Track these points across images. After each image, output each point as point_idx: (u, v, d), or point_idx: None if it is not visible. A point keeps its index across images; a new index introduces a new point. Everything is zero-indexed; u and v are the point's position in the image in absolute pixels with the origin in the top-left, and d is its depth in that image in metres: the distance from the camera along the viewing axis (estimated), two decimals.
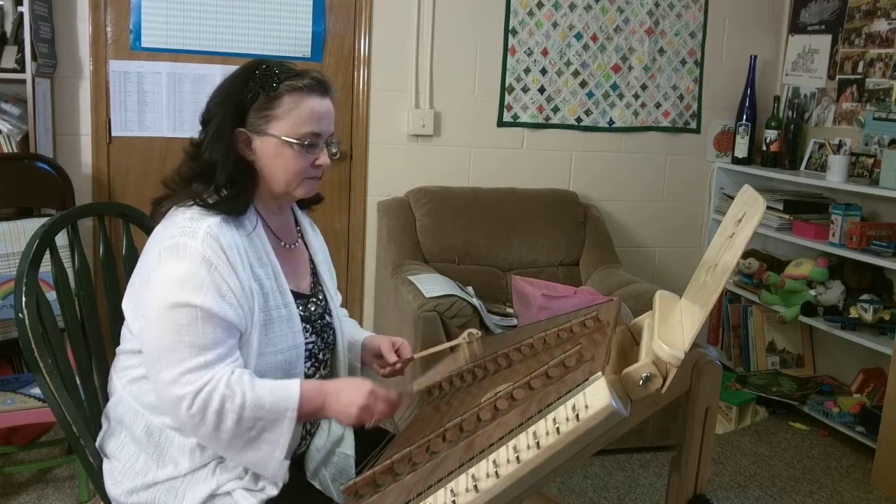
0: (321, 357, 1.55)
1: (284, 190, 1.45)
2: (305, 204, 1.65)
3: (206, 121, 1.45)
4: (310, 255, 1.61)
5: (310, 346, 1.50)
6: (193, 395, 1.29)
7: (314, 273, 1.60)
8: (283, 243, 1.53)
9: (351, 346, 1.68)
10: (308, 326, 1.50)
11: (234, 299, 1.33)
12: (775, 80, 3.85)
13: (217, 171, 1.40)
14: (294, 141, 1.41)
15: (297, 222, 1.62)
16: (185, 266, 1.31)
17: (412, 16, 3.34)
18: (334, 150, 1.48)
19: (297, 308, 1.47)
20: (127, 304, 1.44)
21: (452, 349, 1.59)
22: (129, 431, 1.44)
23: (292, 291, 1.48)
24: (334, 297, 1.63)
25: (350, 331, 1.71)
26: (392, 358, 1.62)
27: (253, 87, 1.41)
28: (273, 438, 1.34)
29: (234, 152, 1.41)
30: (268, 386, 1.34)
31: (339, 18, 3.30)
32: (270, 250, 1.46)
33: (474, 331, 1.58)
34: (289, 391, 1.35)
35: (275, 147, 1.41)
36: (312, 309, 1.53)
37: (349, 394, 1.38)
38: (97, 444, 1.50)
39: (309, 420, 1.45)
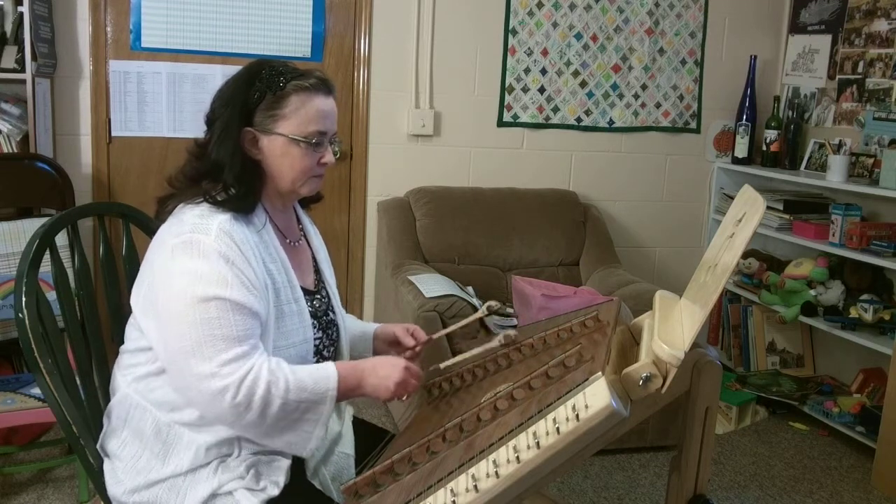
0: (326, 354, 1.55)
1: (291, 188, 1.47)
2: (306, 203, 1.67)
3: (210, 121, 1.46)
4: (312, 253, 1.62)
5: (316, 342, 1.51)
6: (237, 384, 1.29)
7: (317, 270, 1.61)
8: (288, 241, 1.54)
9: (361, 338, 1.70)
10: (315, 322, 1.51)
11: (256, 291, 1.35)
12: (775, 80, 3.85)
13: (225, 170, 1.41)
14: (301, 139, 1.42)
15: (298, 220, 1.63)
16: (203, 262, 1.32)
17: (412, 16, 3.34)
18: (336, 149, 1.50)
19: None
20: (136, 302, 1.44)
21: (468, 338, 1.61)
22: (133, 429, 1.44)
23: (300, 287, 1.49)
24: (336, 295, 1.64)
25: (352, 325, 1.72)
26: (410, 342, 1.65)
27: (259, 86, 1.42)
28: (314, 419, 1.37)
29: (241, 152, 1.42)
30: (306, 369, 1.37)
31: (339, 18, 3.30)
32: (279, 246, 1.47)
33: (493, 303, 1.61)
34: (328, 371, 1.38)
35: (282, 146, 1.43)
36: (317, 305, 1.55)
37: (385, 369, 1.44)
38: (98, 443, 1.50)
39: (346, 399, 1.47)
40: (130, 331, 1.47)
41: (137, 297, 1.43)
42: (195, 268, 1.32)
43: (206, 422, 1.38)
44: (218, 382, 1.29)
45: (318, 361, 1.52)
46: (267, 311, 1.38)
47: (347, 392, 1.42)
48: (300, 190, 1.48)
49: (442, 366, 1.59)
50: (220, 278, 1.31)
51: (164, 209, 1.46)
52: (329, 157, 1.47)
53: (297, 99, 1.42)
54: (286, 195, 1.50)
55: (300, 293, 1.47)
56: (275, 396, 1.31)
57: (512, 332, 1.58)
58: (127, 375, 1.46)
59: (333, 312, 1.59)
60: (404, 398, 1.47)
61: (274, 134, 1.42)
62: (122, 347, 1.50)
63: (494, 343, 1.58)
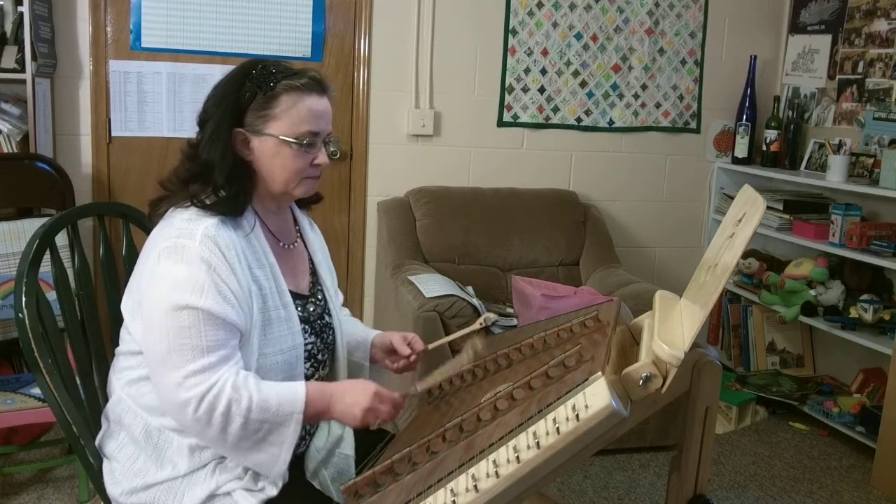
0: (320, 358, 1.54)
1: (283, 190, 1.45)
2: (305, 203, 1.65)
3: (202, 122, 1.44)
4: (309, 255, 1.61)
5: (309, 346, 1.49)
6: (199, 398, 1.28)
7: (313, 273, 1.60)
8: (281, 244, 1.53)
9: (359, 345, 1.68)
10: (307, 327, 1.49)
11: (235, 300, 1.33)
12: (775, 80, 3.85)
13: (215, 171, 1.40)
14: (292, 140, 1.40)
15: (295, 222, 1.62)
16: (185, 268, 1.31)
17: (412, 16, 3.34)
18: (333, 150, 1.48)
19: (296, 309, 1.47)
20: (126, 306, 1.44)
21: (466, 338, 1.61)
22: (127, 432, 1.44)
23: (291, 292, 1.47)
24: (334, 297, 1.62)
25: (354, 330, 1.71)
26: (406, 351, 1.62)
27: (250, 86, 1.40)
28: (279, 441, 1.34)
29: (231, 152, 1.41)
30: (274, 388, 1.34)
31: (339, 18, 3.30)
32: (269, 251, 1.45)
33: (491, 315, 1.60)
34: (295, 394, 1.35)
35: (273, 147, 1.41)
36: (311, 309, 1.53)
37: (354, 395, 1.38)
38: (97, 444, 1.50)
39: (313, 422, 1.45)
40: (123, 333, 1.47)
41: (128, 301, 1.43)
42: (175, 274, 1.31)
43: None
44: (183, 394, 1.29)
45: (311, 366, 1.51)
46: (247, 320, 1.36)
47: (315, 415, 1.39)
48: (293, 192, 1.46)
49: (419, 388, 1.52)
50: (197, 286, 1.30)
51: (155, 212, 1.45)
52: (322, 158, 1.45)
53: (288, 99, 1.40)
54: (279, 197, 1.48)
55: (289, 298, 1.45)
56: (235, 414, 1.29)
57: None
58: (121, 378, 1.46)
59: (330, 316, 1.58)
60: (375, 425, 1.40)
61: (265, 135, 1.40)
62: (117, 350, 1.50)
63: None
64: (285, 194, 1.47)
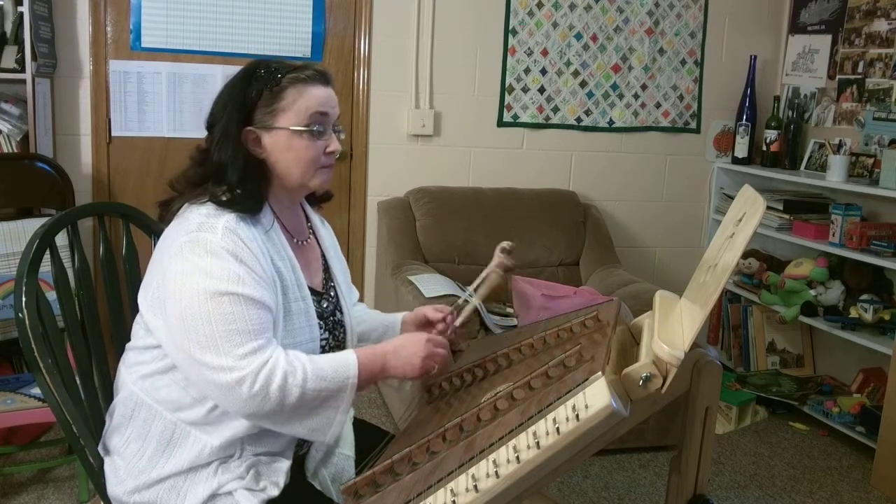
0: None
1: (300, 182, 1.46)
2: (315, 201, 1.66)
3: (211, 125, 1.45)
4: (321, 252, 1.62)
5: (322, 342, 1.50)
6: (254, 374, 1.29)
7: (326, 269, 1.60)
8: (295, 240, 1.53)
9: (388, 329, 1.70)
10: (321, 323, 1.50)
11: (266, 286, 1.35)
12: (775, 80, 3.85)
13: (227, 171, 1.40)
14: (303, 129, 1.41)
15: (307, 218, 1.62)
16: (214, 259, 1.32)
17: (412, 16, 3.34)
18: (342, 137, 1.49)
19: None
20: (144, 300, 1.43)
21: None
22: (137, 427, 1.43)
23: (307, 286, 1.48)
24: (346, 294, 1.63)
25: (376, 317, 1.72)
26: (439, 316, 1.64)
27: (256, 85, 1.41)
28: (335, 405, 1.36)
29: (243, 152, 1.42)
30: (325, 358, 1.37)
31: (339, 18, 3.30)
32: (287, 245, 1.47)
33: (506, 244, 1.63)
34: (347, 360, 1.38)
35: (285, 139, 1.42)
36: (325, 306, 1.54)
37: (408, 347, 1.43)
38: (100, 440, 1.50)
39: (369, 385, 1.47)
40: (137, 329, 1.47)
41: (146, 297, 1.42)
42: (205, 265, 1.31)
43: (213, 420, 1.38)
44: (235, 374, 1.29)
45: None
46: (276, 305, 1.38)
47: (371, 377, 1.42)
48: (310, 183, 1.47)
49: (458, 323, 1.62)
50: (232, 275, 1.31)
51: (168, 211, 1.45)
52: (335, 145, 1.46)
53: (294, 91, 1.41)
54: (295, 190, 1.49)
55: (307, 292, 1.47)
56: (292, 386, 1.31)
57: (507, 243, 1.62)
58: (133, 373, 1.45)
59: (341, 313, 1.59)
60: (435, 370, 1.46)
61: (275, 129, 1.41)
62: (129, 345, 1.49)
63: (494, 263, 1.63)
64: (302, 187, 1.48)
